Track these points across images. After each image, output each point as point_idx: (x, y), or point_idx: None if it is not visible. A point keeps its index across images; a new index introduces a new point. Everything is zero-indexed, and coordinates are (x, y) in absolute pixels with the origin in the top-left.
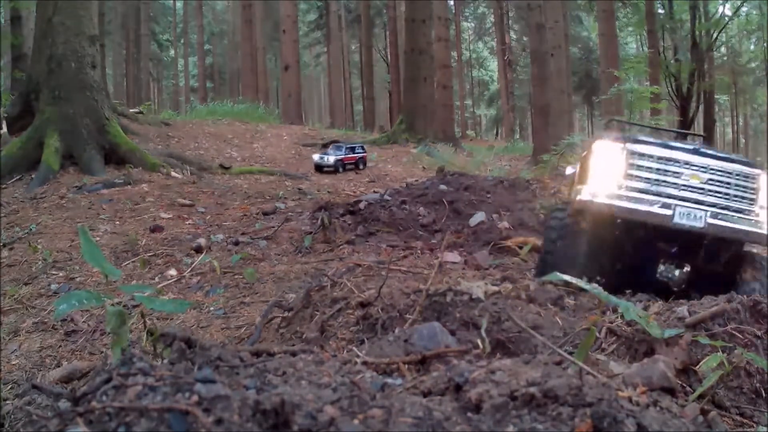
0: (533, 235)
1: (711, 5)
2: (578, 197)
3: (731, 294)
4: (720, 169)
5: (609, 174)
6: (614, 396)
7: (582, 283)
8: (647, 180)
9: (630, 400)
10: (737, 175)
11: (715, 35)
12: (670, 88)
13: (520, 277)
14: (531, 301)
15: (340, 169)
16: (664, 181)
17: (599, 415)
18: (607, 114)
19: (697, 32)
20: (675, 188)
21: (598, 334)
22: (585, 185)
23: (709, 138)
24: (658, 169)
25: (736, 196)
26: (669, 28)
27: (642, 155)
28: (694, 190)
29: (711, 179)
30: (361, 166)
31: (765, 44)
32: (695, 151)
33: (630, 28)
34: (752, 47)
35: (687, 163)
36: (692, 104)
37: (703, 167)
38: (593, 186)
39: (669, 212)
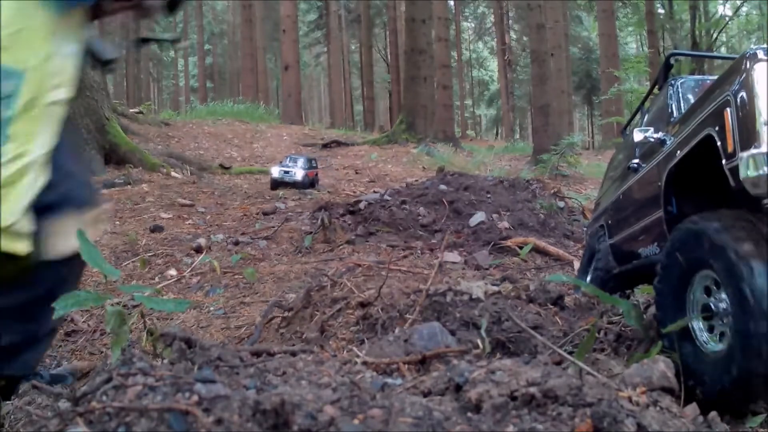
0: (533, 235)
1: (711, 5)
2: (757, 173)
3: None
4: None
5: None
6: (614, 396)
7: (581, 282)
8: None
9: (630, 400)
10: None
11: (715, 35)
12: None
13: (520, 277)
14: (531, 301)
15: (308, 188)
16: None
17: (599, 415)
18: (607, 114)
19: (697, 32)
20: None
21: (597, 334)
22: (762, 149)
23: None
24: None
25: None
26: (669, 28)
27: None
28: None
29: None
30: (315, 185)
31: (765, 44)
32: None
33: (630, 28)
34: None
35: None
36: None
37: None
38: None
39: None
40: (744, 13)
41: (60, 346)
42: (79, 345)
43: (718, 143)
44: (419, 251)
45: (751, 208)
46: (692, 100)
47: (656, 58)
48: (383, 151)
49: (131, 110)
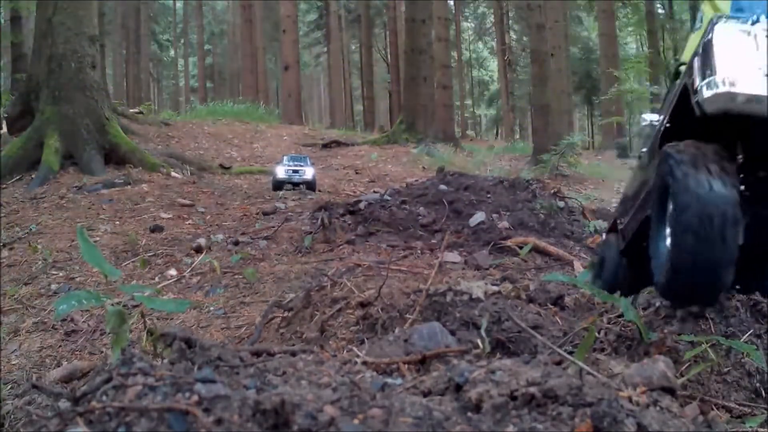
0: (533, 235)
1: None
2: (711, 92)
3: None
4: None
5: (744, 59)
6: (614, 396)
7: (580, 282)
8: None
9: (630, 399)
10: None
11: None
12: None
13: (520, 277)
14: (531, 301)
15: (314, 188)
16: None
17: (599, 414)
18: (607, 114)
19: None
20: None
21: (597, 334)
22: (714, 76)
23: None
24: None
25: None
26: (669, 28)
27: None
28: None
29: None
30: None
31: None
32: None
33: (630, 28)
34: None
35: None
36: None
37: None
38: (729, 74)
39: None
40: None
41: (60, 346)
42: (79, 345)
43: (690, 86)
44: (419, 251)
45: (720, 143)
46: None
47: (656, 58)
48: (383, 151)
49: (131, 110)
